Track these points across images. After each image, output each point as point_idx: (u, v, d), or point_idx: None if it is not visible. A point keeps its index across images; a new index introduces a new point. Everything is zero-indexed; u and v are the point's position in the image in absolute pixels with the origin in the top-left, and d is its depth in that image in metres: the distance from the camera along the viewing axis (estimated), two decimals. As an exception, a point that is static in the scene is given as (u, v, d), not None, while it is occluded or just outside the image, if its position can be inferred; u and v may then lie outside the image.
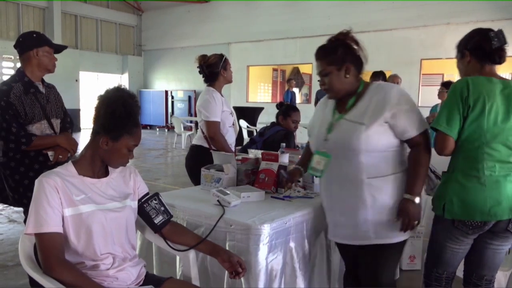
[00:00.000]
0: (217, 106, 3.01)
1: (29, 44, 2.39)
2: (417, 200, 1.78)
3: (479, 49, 1.85)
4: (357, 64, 1.86)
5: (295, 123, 3.69)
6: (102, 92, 1.60)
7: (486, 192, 1.77)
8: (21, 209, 2.57)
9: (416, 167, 1.81)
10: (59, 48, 2.51)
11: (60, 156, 2.37)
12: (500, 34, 1.82)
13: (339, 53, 1.84)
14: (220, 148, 2.90)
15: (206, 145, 3.04)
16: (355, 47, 1.86)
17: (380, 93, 1.81)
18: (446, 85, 5.57)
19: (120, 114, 1.54)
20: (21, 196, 2.38)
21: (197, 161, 2.89)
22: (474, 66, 1.87)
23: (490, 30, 1.85)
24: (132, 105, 1.57)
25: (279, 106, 3.91)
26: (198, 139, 3.13)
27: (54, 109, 2.51)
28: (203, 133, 3.07)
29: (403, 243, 1.88)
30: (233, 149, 3.14)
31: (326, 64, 1.86)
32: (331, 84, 1.86)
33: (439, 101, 5.81)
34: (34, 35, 2.44)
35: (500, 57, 1.85)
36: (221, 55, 3.12)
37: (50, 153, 2.37)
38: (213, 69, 3.09)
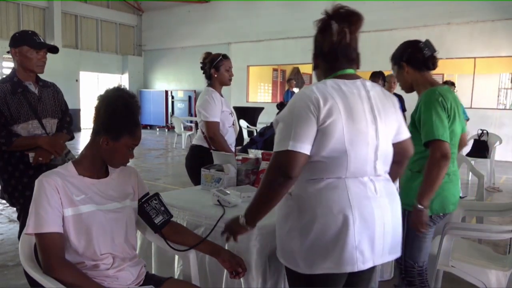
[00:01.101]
0: (216, 106, 3.01)
1: (11, 44, 2.37)
2: (247, 227, 1.58)
3: (414, 59, 2.11)
4: (324, 57, 1.55)
5: None
6: (102, 92, 1.60)
7: (455, 186, 2.11)
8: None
9: (257, 190, 1.55)
10: (42, 47, 2.39)
11: (40, 158, 2.32)
12: (428, 44, 2.11)
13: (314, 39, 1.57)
14: (220, 148, 2.90)
15: (206, 145, 3.04)
16: (332, 29, 1.49)
17: None
18: (451, 84, 5.58)
19: (120, 113, 1.54)
20: (10, 196, 2.38)
21: (197, 161, 2.89)
22: (413, 75, 2.13)
23: (419, 41, 2.14)
24: (132, 105, 1.57)
25: (279, 106, 3.93)
26: (198, 139, 3.13)
27: (50, 109, 2.47)
28: (203, 133, 3.07)
29: None
30: (233, 149, 3.14)
31: None
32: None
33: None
34: (17, 35, 2.40)
35: (433, 64, 2.11)
36: (216, 55, 3.09)
37: (30, 154, 2.33)
38: (208, 68, 3.09)
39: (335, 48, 1.49)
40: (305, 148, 1.39)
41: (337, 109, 1.40)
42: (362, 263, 1.43)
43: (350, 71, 1.52)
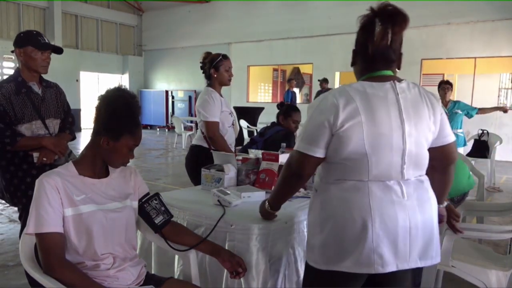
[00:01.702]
0: (215, 106, 3.01)
1: (15, 44, 2.37)
2: (271, 210, 1.77)
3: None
4: (362, 56, 1.54)
5: (295, 123, 3.69)
6: (103, 92, 1.60)
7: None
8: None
9: (278, 181, 1.68)
10: (47, 48, 2.40)
11: (44, 158, 2.33)
12: None
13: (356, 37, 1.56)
14: (220, 148, 2.90)
15: (206, 145, 3.04)
16: (376, 28, 1.44)
17: None
18: (450, 83, 5.61)
19: (121, 113, 1.54)
20: (12, 195, 2.39)
21: (197, 161, 2.89)
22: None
23: None
24: (133, 105, 1.57)
25: (280, 106, 3.92)
26: (198, 139, 3.13)
27: (52, 109, 2.49)
28: (202, 133, 3.07)
29: None
30: (232, 149, 3.14)
31: None
32: None
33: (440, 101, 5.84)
34: (21, 35, 2.40)
35: None
36: (216, 55, 3.09)
37: (35, 154, 2.34)
38: (207, 68, 3.10)
39: (374, 48, 1.46)
40: (316, 151, 1.45)
41: (357, 113, 1.40)
42: (381, 266, 1.41)
43: (386, 72, 1.50)
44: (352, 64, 1.59)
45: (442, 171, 1.61)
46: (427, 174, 1.57)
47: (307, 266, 1.58)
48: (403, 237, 1.43)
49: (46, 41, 2.42)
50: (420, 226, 1.46)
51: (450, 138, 1.56)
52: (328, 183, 1.51)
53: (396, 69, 1.53)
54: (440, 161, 1.58)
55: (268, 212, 1.78)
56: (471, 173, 2.96)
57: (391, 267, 1.42)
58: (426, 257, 1.49)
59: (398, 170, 1.45)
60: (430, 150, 1.53)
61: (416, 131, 1.45)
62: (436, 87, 5.74)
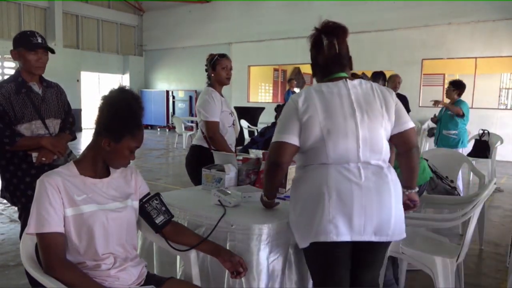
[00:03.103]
0: (215, 106, 3.01)
1: (13, 46, 2.37)
2: (267, 200, 1.98)
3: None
4: (317, 65, 1.84)
5: None
6: (106, 93, 1.60)
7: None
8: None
9: None
10: (36, 48, 2.35)
11: (43, 158, 2.33)
12: None
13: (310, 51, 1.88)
14: (220, 148, 2.90)
15: (206, 145, 3.04)
16: (323, 42, 1.77)
17: None
18: (455, 84, 5.41)
19: (123, 115, 1.53)
20: (11, 195, 2.39)
21: (197, 161, 2.89)
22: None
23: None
24: (135, 107, 1.57)
25: (277, 108, 3.95)
26: (198, 139, 3.14)
27: (53, 109, 2.48)
28: (203, 133, 3.07)
29: None
30: (233, 149, 3.14)
31: None
32: None
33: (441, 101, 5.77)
34: (17, 36, 2.38)
35: None
36: (214, 55, 3.11)
37: (34, 154, 2.34)
38: (206, 69, 3.12)
39: (326, 59, 1.77)
40: (291, 138, 1.70)
41: (313, 107, 1.68)
42: (336, 235, 1.62)
43: (340, 74, 1.77)
44: (313, 76, 1.89)
45: (406, 155, 1.82)
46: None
47: (303, 250, 1.78)
48: (358, 213, 1.63)
49: (39, 41, 2.36)
50: (375, 206, 1.65)
51: (408, 125, 1.78)
52: (298, 170, 1.81)
53: (350, 70, 1.82)
54: (402, 146, 1.81)
55: (266, 202, 1.99)
56: (427, 166, 3.10)
57: (345, 237, 1.64)
58: (381, 233, 1.67)
59: (355, 153, 1.67)
60: (393, 137, 1.78)
61: (368, 119, 1.69)
62: (437, 87, 5.73)
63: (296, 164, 1.84)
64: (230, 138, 3.13)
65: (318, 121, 1.67)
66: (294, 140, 1.70)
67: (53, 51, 2.48)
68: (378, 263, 1.85)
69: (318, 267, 1.77)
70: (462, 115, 5.13)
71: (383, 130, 1.72)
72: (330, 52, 1.75)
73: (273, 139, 1.75)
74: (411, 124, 1.78)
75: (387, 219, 1.67)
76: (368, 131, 1.68)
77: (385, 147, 1.73)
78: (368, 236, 1.66)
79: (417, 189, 1.91)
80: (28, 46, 2.34)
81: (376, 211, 1.64)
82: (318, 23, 1.80)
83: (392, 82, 5.66)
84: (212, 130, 2.98)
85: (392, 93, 1.79)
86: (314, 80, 1.89)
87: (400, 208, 1.73)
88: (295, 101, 1.73)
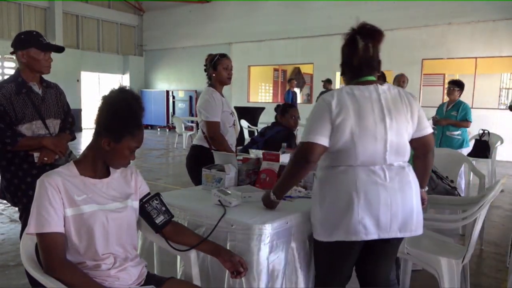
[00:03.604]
0: (216, 106, 3.01)
1: (17, 46, 2.37)
2: (275, 200, 1.95)
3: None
4: (350, 67, 1.85)
5: (293, 118, 3.72)
6: (106, 93, 1.60)
7: None
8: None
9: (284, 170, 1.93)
10: (50, 49, 2.41)
11: (45, 158, 2.34)
12: None
13: (341, 52, 1.88)
14: (221, 148, 2.90)
15: (206, 145, 3.04)
16: (358, 44, 1.78)
17: None
18: (458, 84, 5.38)
19: (123, 115, 1.53)
20: (12, 195, 2.39)
21: (198, 161, 2.89)
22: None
23: None
24: (135, 107, 1.57)
25: (277, 108, 3.96)
26: (199, 139, 3.14)
27: (53, 109, 2.49)
28: (203, 133, 3.07)
29: None
30: (233, 149, 3.14)
31: None
32: None
33: (440, 101, 5.75)
34: (22, 36, 2.39)
35: None
36: (215, 55, 3.12)
37: (35, 154, 2.35)
38: (207, 69, 3.12)
39: (360, 60, 1.79)
40: (322, 140, 1.73)
41: (347, 109, 1.72)
42: (365, 235, 1.73)
43: (370, 78, 1.82)
44: (342, 74, 1.92)
45: (422, 158, 1.94)
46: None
47: (315, 241, 1.88)
48: (384, 213, 1.74)
49: (47, 41, 2.42)
50: (400, 204, 1.76)
51: (427, 130, 1.88)
52: (324, 169, 1.84)
53: (377, 74, 1.86)
54: (421, 150, 1.91)
55: (272, 201, 1.95)
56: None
57: (373, 236, 1.75)
58: (405, 229, 1.79)
59: (381, 156, 1.76)
60: (412, 140, 1.86)
61: (396, 124, 1.77)
62: (437, 87, 5.69)
63: (322, 163, 1.86)
64: (231, 138, 3.13)
65: (350, 124, 1.72)
66: (324, 141, 1.74)
67: (63, 50, 2.51)
68: (388, 259, 1.98)
69: (331, 261, 1.88)
70: (469, 125, 5.21)
71: (407, 134, 1.81)
72: (364, 54, 1.78)
73: (303, 139, 1.76)
74: (430, 130, 1.89)
75: (410, 215, 1.79)
76: (395, 136, 1.76)
77: (408, 149, 1.83)
78: (394, 233, 1.78)
79: (426, 188, 2.05)
80: (41, 46, 2.36)
81: (400, 209, 1.76)
82: (355, 23, 1.80)
83: (396, 82, 5.64)
84: (212, 130, 2.98)
85: (416, 99, 1.88)
86: (338, 78, 1.90)
87: (419, 204, 1.85)
88: (328, 102, 1.75)
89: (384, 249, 1.92)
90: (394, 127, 1.76)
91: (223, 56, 3.12)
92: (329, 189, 1.79)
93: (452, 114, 5.23)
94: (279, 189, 1.93)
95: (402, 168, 1.81)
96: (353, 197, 1.72)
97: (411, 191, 1.80)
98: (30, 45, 2.35)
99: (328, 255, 1.88)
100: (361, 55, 1.78)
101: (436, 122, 5.27)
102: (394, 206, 1.75)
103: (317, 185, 1.87)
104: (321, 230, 1.81)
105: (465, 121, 5.17)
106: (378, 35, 1.79)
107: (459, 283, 2.31)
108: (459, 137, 5.23)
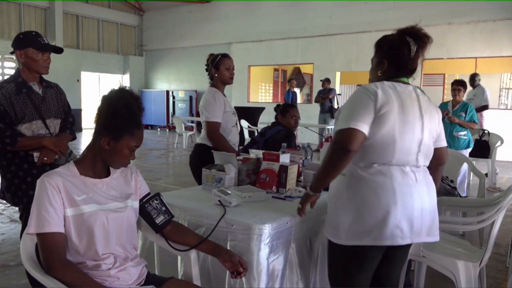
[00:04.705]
0: (217, 106, 3.02)
1: (15, 46, 2.37)
2: (311, 193, 1.81)
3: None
4: (395, 65, 1.79)
5: (294, 118, 3.73)
6: (106, 93, 1.60)
7: None
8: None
9: (321, 162, 1.80)
10: (47, 49, 2.40)
11: (45, 158, 2.34)
12: None
13: (384, 48, 1.81)
14: (221, 148, 2.91)
15: (210, 144, 3.06)
16: (410, 46, 1.75)
17: None
18: (463, 84, 5.37)
19: (122, 114, 1.54)
20: (12, 195, 2.39)
21: (201, 160, 2.89)
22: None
23: None
24: (134, 106, 1.57)
25: (277, 108, 3.95)
26: (203, 138, 3.15)
27: (53, 109, 2.49)
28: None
29: None
30: (236, 148, 3.16)
31: (374, 55, 1.89)
32: (369, 75, 1.92)
33: (441, 100, 5.73)
34: (21, 36, 2.39)
35: None
36: (217, 55, 3.13)
37: (35, 154, 2.34)
38: (208, 69, 3.13)
39: (407, 63, 1.76)
40: (363, 127, 1.63)
41: (392, 102, 1.66)
42: (401, 239, 1.68)
43: (405, 79, 1.80)
44: (379, 69, 1.83)
45: (434, 170, 1.88)
46: None
47: (331, 245, 1.80)
48: (417, 216, 1.69)
49: (46, 41, 2.42)
50: (428, 208, 1.73)
51: (444, 143, 1.88)
52: (356, 167, 1.72)
53: (410, 77, 1.84)
54: (435, 161, 1.85)
55: (307, 195, 1.81)
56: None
57: (407, 240, 1.70)
58: (431, 234, 1.76)
59: (414, 157, 1.71)
60: None
61: (430, 125, 1.75)
62: (437, 87, 5.67)
63: (352, 160, 1.72)
64: (234, 138, 3.16)
65: (393, 118, 1.65)
66: (365, 129, 1.64)
67: (61, 51, 2.51)
68: (403, 261, 1.99)
69: (351, 266, 1.77)
70: (475, 126, 5.24)
71: (433, 140, 1.81)
72: (412, 57, 1.75)
73: (343, 125, 1.64)
74: (445, 143, 1.89)
75: (435, 219, 1.78)
76: (427, 138, 1.74)
77: (432, 155, 1.81)
78: (423, 237, 1.74)
79: None
80: (38, 46, 2.36)
81: (428, 213, 1.73)
82: (414, 23, 1.78)
83: None
84: (211, 131, 2.99)
85: (439, 111, 1.88)
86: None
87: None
88: (373, 91, 1.67)
89: (400, 253, 1.87)
90: (428, 129, 1.73)
91: (225, 56, 3.13)
92: (363, 190, 1.68)
93: (460, 115, 5.24)
94: (318, 183, 1.78)
95: (426, 170, 1.79)
96: (391, 199, 1.65)
97: (434, 194, 1.78)
98: (28, 45, 2.35)
99: (351, 261, 1.76)
100: (408, 57, 1.75)
101: (449, 119, 5.22)
102: (424, 210, 1.71)
103: (344, 184, 1.74)
104: (347, 234, 1.70)
105: (472, 122, 5.21)
106: (429, 41, 1.75)
107: (476, 286, 2.28)
108: (465, 137, 5.25)
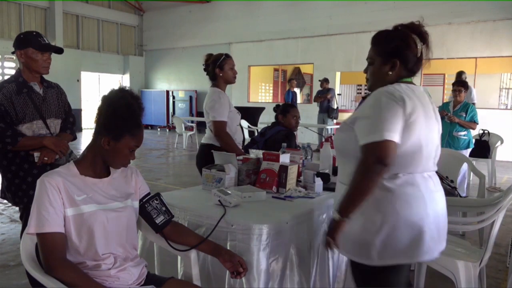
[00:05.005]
0: (223, 106, 3.06)
1: (16, 46, 2.37)
2: (341, 218, 1.56)
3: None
4: (407, 65, 1.65)
5: (295, 118, 3.73)
6: (106, 92, 1.60)
7: None
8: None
9: (350, 182, 1.54)
10: (47, 49, 2.40)
11: (45, 158, 2.34)
12: None
13: (393, 45, 1.64)
14: (228, 147, 2.94)
15: (216, 143, 3.07)
16: (417, 45, 1.63)
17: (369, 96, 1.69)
18: (465, 85, 5.38)
19: (122, 114, 1.54)
20: (13, 195, 2.39)
21: (208, 159, 2.90)
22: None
23: None
24: (134, 106, 1.57)
25: (276, 108, 3.96)
26: (208, 138, 3.17)
27: (53, 109, 2.49)
28: (212, 132, 3.11)
29: None
30: (240, 147, 3.18)
31: (374, 53, 1.70)
32: (371, 75, 1.73)
33: (441, 100, 5.72)
34: (21, 36, 2.39)
35: None
36: (220, 55, 3.15)
37: (36, 154, 2.35)
38: (211, 68, 3.14)
39: (416, 62, 1.64)
40: (397, 137, 1.49)
41: (418, 108, 1.56)
42: (436, 252, 1.60)
43: (410, 79, 1.68)
44: (391, 69, 1.65)
45: None
46: None
47: (362, 268, 1.60)
48: (442, 225, 1.62)
49: (46, 42, 2.42)
50: (444, 214, 1.65)
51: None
52: (380, 180, 1.50)
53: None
54: None
55: (339, 223, 1.55)
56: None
57: (437, 253, 1.60)
58: (445, 240, 1.66)
59: (432, 162, 1.63)
60: None
61: (439, 128, 1.67)
62: (437, 87, 5.66)
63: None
64: (239, 137, 3.21)
65: (420, 125, 1.54)
66: (398, 139, 1.49)
67: (62, 51, 2.51)
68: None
69: (389, 284, 1.61)
70: (476, 126, 5.25)
71: None
72: (421, 56, 1.65)
73: (375, 138, 1.46)
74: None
75: (447, 225, 1.69)
76: (439, 140, 1.67)
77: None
78: (442, 245, 1.65)
79: None
80: (39, 46, 2.36)
81: (444, 219, 1.66)
82: (418, 19, 1.67)
83: None
84: (219, 130, 3.03)
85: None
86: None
87: None
88: (399, 97, 1.53)
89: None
90: (439, 131, 1.67)
91: (228, 56, 3.17)
92: (395, 204, 1.52)
93: (460, 115, 5.24)
94: (348, 206, 1.53)
95: (436, 176, 1.68)
96: (423, 210, 1.53)
97: (445, 199, 1.69)
98: (28, 45, 2.35)
99: (387, 282, 1.60)
100: (415, 56, 1.63)
101: (449, 119, 5.21)
102: (443, 216, 1.64)
103: (368, 199, 1.51)
104: (380, 253, 1.52)
105: (473, 122, 5.21)
106: (428, 39, 1.66)
107: (476, 287, 2.28)
108: (466, 137, 5.25)
